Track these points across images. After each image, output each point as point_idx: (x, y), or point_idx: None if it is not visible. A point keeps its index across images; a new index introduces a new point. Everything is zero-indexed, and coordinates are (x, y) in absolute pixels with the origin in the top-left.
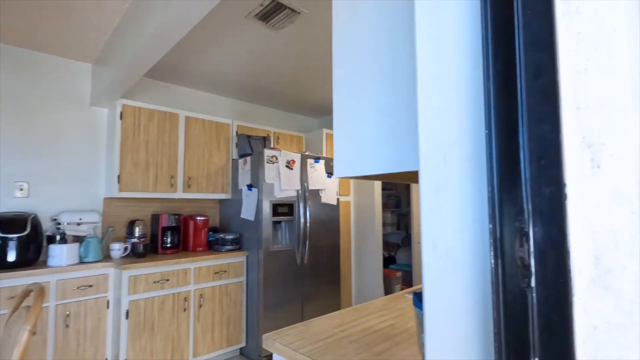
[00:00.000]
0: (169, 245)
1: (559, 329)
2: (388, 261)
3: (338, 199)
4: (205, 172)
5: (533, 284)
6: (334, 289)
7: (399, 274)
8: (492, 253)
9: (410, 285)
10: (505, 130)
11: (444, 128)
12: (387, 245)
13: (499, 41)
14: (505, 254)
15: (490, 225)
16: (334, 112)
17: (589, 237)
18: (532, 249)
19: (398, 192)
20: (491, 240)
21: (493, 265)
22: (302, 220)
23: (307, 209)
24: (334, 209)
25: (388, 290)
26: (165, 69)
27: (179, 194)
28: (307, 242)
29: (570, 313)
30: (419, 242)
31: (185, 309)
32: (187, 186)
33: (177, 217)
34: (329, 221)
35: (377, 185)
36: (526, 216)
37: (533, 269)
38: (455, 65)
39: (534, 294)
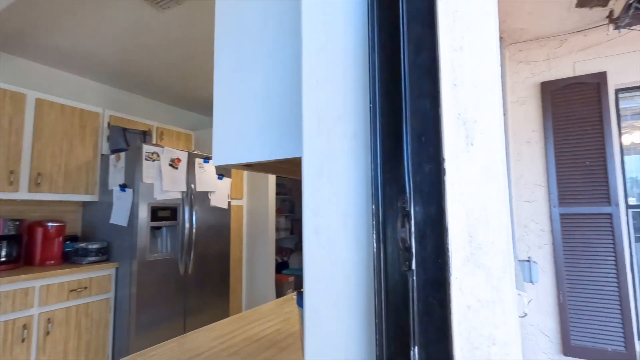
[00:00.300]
0: (2, 259)
1: (437, 313)
2: (281, 266)
3: (229, 203)
4: (63, 169)
5: (414, 266)
6: (222, 299)
7: (291, 279)
8: (374, 236)
9: None
10: (390, 104)
11: (329, 103)
12: (280, 250)
13: (383, 13)
14: (387, 237)
15: (373, 206)
16: (214, 92)
17: (464, 214)
18: (413, 229)
19: (293, 196)
20: (373, 222)
21: (375, 250)
22: (187, 225)
23: (194, 213)
24: (225, 213)
25: (280, 295)
26: (8, 36)
27: (23, 194)
28: (193, 250)
29: (448, 294)
30: None
31: (23, 340)
32: (36, 184)
33: (17, 223)
34: (218, 226)
35: (271, 188)
36: (408, 195)
37: (414, 251)
38: (341, 35)
39: (414, 277)
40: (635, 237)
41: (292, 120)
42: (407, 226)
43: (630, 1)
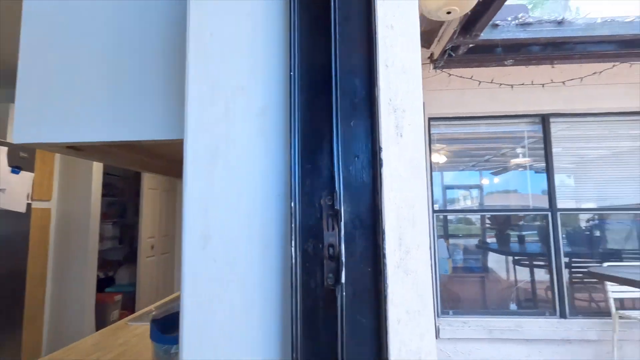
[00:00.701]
0: None
1: (370, 336)
2: (104, 283)
3: (30, 205)
4: None
5: (343, 278)
6: (10, 336)
7: (118, 297)
8: (293, 243)
9: (133, 310)
10: (315, 77)
11: (229, 66)
12: (104, 263)
13: None
14: (309, 243)
15: (292, 204)
16: (21, 42)
17: (394, 214)
18: (343, 232)
19: (124, 198)
20: (292, 225)
21: (294, 262)
22: None
23: None
24: (22, 218)
25: (102, 320)
26: None
27: None
28: None
29: (384, 310)
30: (148, 257)
31: None
32: None
33: None
34: (10, 236)
35: (96, 188)
36: (337, 190)
37: (343, 259)
38: None
39: (343, 293)
40: (438, 235)
41: (161, 85)
42: (337, 229)
43: (446, 48)
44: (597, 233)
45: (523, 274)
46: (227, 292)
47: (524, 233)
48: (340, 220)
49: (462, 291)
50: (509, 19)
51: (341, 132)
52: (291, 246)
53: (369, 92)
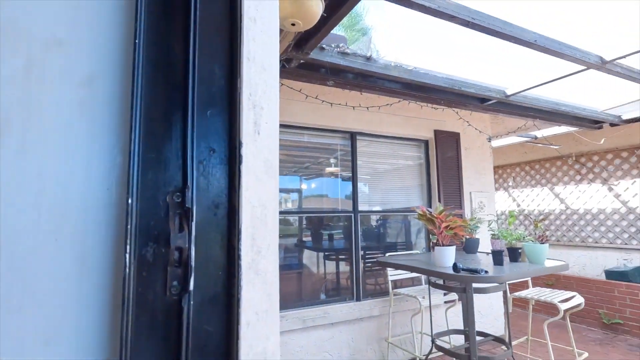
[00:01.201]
0: None
1: (221, 343)
2: None
3: None
4: None
5: (191, 286)
6: None
7: None
8: (128, 249)
9: None
10: (166, 52)
11: (41, 10)
12: None
13: None
14: (148, 247)
15: (130, 200)
16: None
17: (249, 213)
18: (194, 233)
19: None
20: (128, 227)
21: (129, 271)
22: None
23: None
24: None
25: None
26: None
27: None
28: None
29: (236, 315)
30: None
31: None
32: None
33: None
34: None
35: None
36: (190, 186)
37: (193, 263)
38: None
39: (191, 302)
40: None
41: None
42: (186, 230)
43: (280, 58)
44: (382, 230)
45: (331, 267)
46: (21, 326)
47: (333, 232)
48: (192, 220)
49: (282, 288)
50: (332, 45)
51: (197, 121)
52: (126, 252)
53: (229, 82)
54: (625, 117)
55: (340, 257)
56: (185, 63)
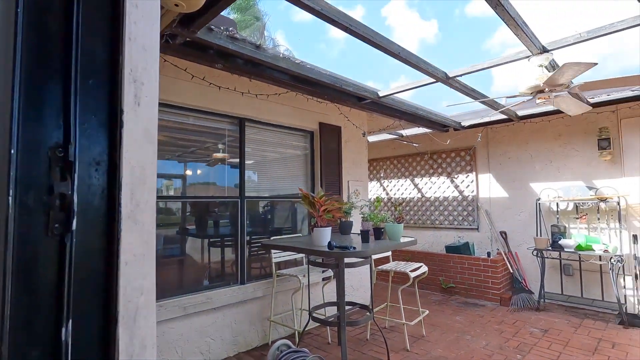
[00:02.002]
0: None
1: (100, 277)
2: None
3: None
4: None
5: (74, 226)
6: None
7: None
8: (11, 192)
9: None
10: (44, 23)
11: None
12: None
13: None
14: (29, 194)
15: (13, 151)
16: None
17: (129, 171)
18: (76, 183)
19: None
20: (11, 174)
21: (12, 212)
22: None
23: None
24: None
25: None
26: None
27: None
28: None
29: (117, 253)
30: None
31: None
32: None
33: None
34: None
35: None
36: (73, 142)
37: (76, 208)
38: None
39: (74, 239)
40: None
41: None
42: (69, 180)
43: (164, 32)
44: (269, 216)
45: (216, 254)
46: None
47: (219, 219)
48: (75, 172)
49: (162, 277)
50: (222, 28)
51: (79, 88)
52: (9, 196)
53: (111, 57)
54: (464, 124)
55: (225, 243)
56: (68, 36)
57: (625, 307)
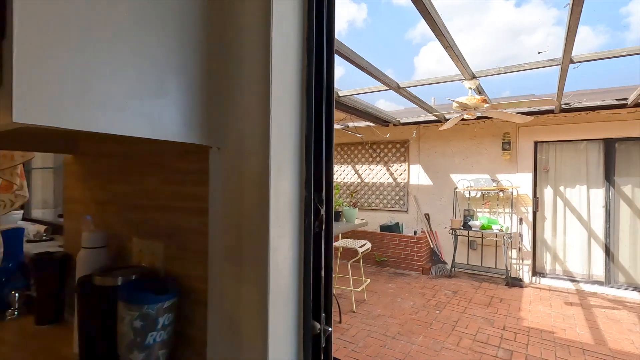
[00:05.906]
0: None
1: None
2: None
3: None
4: None
5: (323, 227)
6: None
7: None
8: (304, 214)
9: None
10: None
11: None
12: None
13: None
14: (312, 215)
15: (306, 194)
16: None
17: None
18: (324, 204)
19: None
20: (304, 206)
21: (306, 223)
22: None
23: None
24: None
25: None
26: None
27: None
28: None
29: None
30: None
31: None
32: None
33: None
34: None
35: None
36: (323, 195)
37: (324, 218)
38: None
39: (324, 234)
40: None
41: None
42: (323, 207)
43: None
44: None
45: None
46: (284, 254)
47: None
48: (322, 207)
49: None
50: None
51: None
52: (304, 216)
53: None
54: (402, 121)
55: None
56: None
57: (510, 273)
